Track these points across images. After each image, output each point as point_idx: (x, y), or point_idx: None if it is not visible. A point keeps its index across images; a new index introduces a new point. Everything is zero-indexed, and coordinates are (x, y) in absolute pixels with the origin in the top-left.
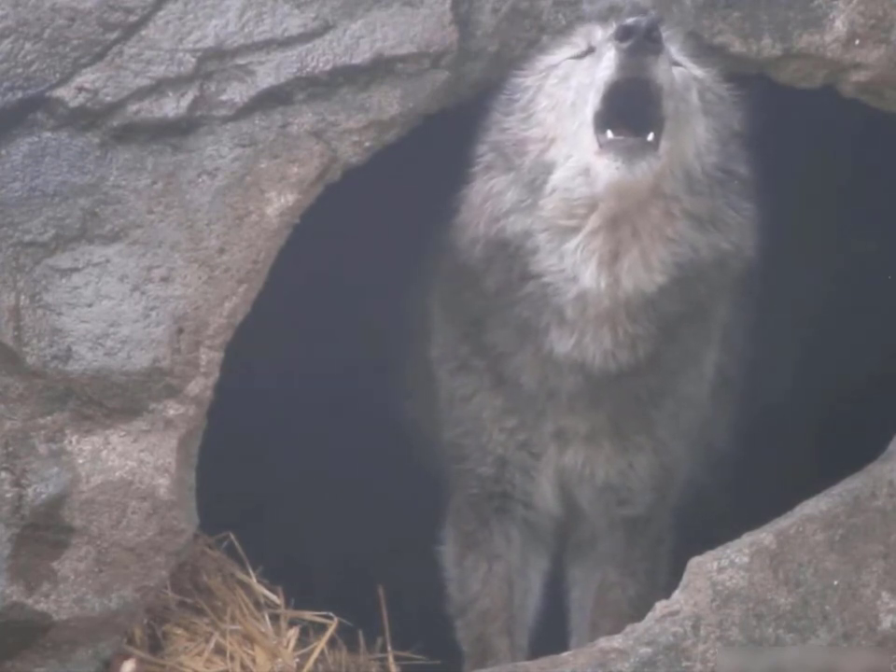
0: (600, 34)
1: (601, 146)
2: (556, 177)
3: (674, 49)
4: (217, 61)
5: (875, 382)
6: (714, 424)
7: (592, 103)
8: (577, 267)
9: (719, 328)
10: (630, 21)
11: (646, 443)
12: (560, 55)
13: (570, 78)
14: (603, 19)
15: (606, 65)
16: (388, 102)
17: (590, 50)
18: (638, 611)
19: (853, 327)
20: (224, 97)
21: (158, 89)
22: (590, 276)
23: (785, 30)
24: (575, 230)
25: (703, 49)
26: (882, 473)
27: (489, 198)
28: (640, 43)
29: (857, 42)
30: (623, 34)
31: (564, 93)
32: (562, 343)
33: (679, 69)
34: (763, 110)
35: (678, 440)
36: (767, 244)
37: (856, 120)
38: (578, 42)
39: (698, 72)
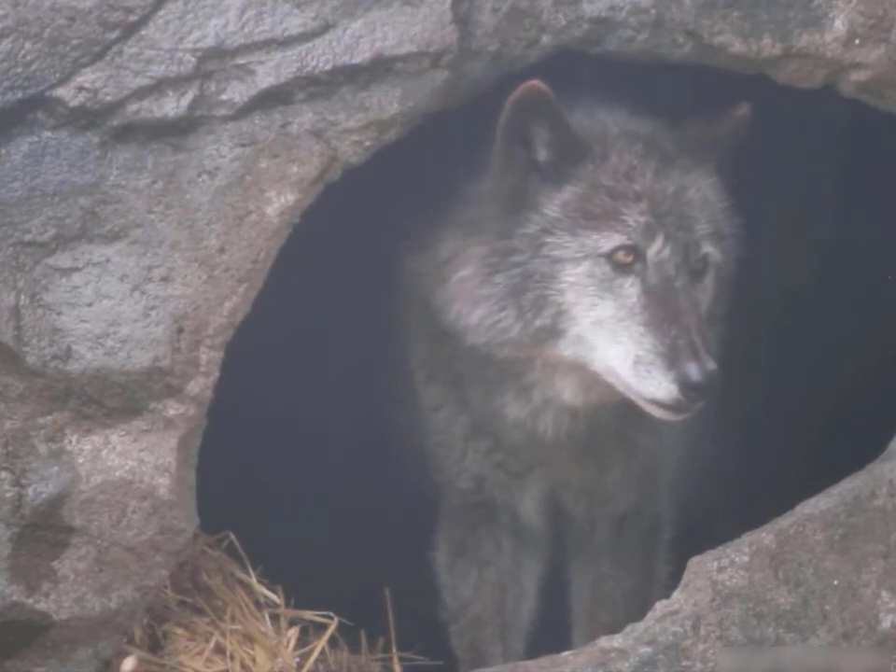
0: (658, 245)
1: (657, 401)
2: (569, 353)
3: (705, 244)
4: (217, 60)
5: (875, 381)
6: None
7: (646, 370)
8: (563, 389)
9: None
10: (696, 379)
11: (622, 449)
12: (607, 243)
13: (610, 288)
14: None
15: (667, 390)
16: (388, 101)
17: (638, 258)
18: (634, 603)
19: (853, 326)
20: (224, 97)
21: (158, 88)
22: (570, 395)
23: (785, 29)
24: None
25: (703, 49)
26: (882, 473)
27: (496, 327)
28: (702, 398)
29: (857, 42)
30: (691, 393)
31: (596, 294)
32: (516, 411)
33: (705, 282)
34: (763, 110)
35: (658, 440)
36: (766, 243)
37: (856, 120)
38: (630, 228)
39: (718, 257)
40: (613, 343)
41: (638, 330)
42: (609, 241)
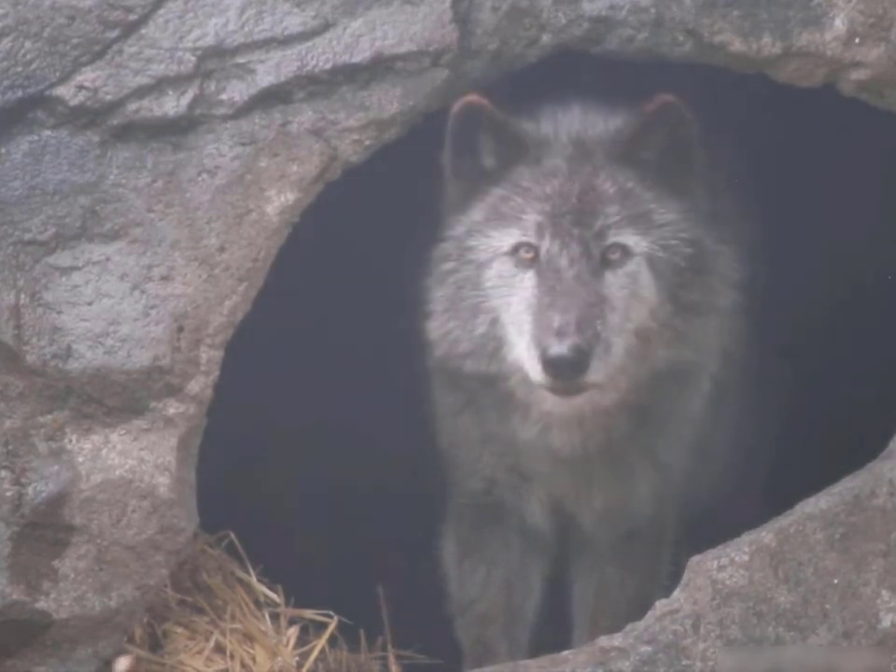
0: (547, 241)
1: (539, 384)
2: (511, 359)
3: (613, 234)
4: (217, 59)
5: (875, 380)
6: (715, 425)
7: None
8: (542, 398)
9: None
10: (554, 352)
11: (645, 467)
12: (508, 240)
13: (514, 284)
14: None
15: (535, 370)
16: (388, 100)
17: (534, 259)
18: (637, 608)
19: (854, 325)
20: (224, 96)
21: (158, 87)
22: (552, 404)
23: (785, 28)
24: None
25: (703, 48)
26: (882, 472)
27: (448, 338)
28: (567, 375)
29: (857, 41)
30: (551, 369)
31: (507, 294)
32: (525, 431)
33: (627, 270)
34: (763, 110)
35: (677, 454)
36: (766, 242)
37: (856, 120)
38: (527, 226)
39: (644, 244)
40: (519, 339)
41: (529, 321)
42: (510, 237)
